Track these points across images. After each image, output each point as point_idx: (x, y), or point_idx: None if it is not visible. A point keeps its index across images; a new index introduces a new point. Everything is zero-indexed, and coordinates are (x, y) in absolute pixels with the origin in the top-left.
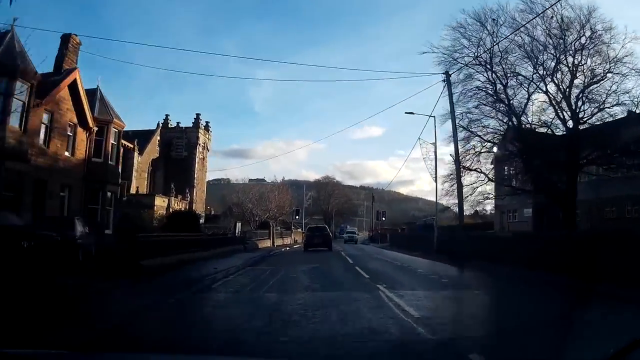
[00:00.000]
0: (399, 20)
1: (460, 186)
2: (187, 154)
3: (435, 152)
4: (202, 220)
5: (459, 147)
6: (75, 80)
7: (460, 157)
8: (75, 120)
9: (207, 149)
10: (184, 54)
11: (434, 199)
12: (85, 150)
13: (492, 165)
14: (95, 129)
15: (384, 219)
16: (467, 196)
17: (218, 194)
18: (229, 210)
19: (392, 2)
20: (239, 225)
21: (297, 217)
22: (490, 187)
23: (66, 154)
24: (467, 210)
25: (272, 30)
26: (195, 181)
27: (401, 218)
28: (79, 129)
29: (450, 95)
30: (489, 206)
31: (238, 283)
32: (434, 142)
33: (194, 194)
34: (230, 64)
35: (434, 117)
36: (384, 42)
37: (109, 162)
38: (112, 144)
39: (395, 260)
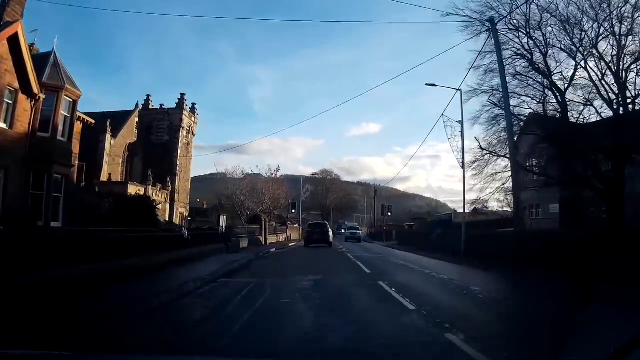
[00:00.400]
0: (395, 20)
1: (515, 167)
2: (168, 139)
3: (462, 132)
4: (185, 213)
5: (484, 130)
6: (16, 35)
7: (487, 139)
8: (16, 84)
9: (192, 133)
10: (183, 54)
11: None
12: (29, 123)
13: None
14: (42, 96)
15: (389, 214)
16: (499, 188)
17: (214, 188)
18: (219, 204)
19: (387, 3)
20: (223, 218)
21: (293, 210)
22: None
23: (2, 125)
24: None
25: (270, 30)
26: (177, 168)
27: (400, 214)
28: (21, 96)
29: (498, 46)
30: (494, 202)
31: (182, 322)
32: (460, 120)
33: (176, 183)
34: (229, 62)
35: (461, 90)
36: (379, 42)
37: (59, 137)
38: (64, 116)
39: (424, 267)
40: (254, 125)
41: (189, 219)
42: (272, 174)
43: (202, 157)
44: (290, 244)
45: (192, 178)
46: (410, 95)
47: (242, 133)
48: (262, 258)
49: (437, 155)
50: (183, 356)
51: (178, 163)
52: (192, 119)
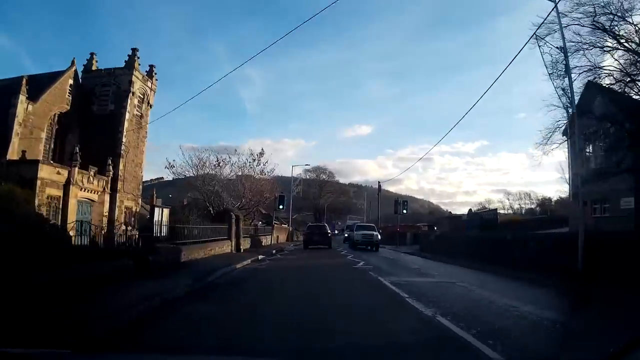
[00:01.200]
0: (386, 22)
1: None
2: (114, 108)
3: (567, 64)
4: (135, 208)
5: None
6: None
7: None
8: None
9: (148, 103)
10: (176, 53)
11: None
12: None
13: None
14: None
15: (405, 212)
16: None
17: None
18: (194, 201)
19: (379, 4)
20: (159, 213)
21: (281, 207)
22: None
23: None
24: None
25: (262, 30)
26: (122, 147)
27: (394, 216)
28: None
29: None
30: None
31: None
32: (561, 46)
33: (120, 167)
34: (221, 62)
35: (556, 3)
36: (371, 43)
37: None
38: None
39: None
40: (245, 126)
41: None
42: (254, 160)
43: (147, 122)
44: (275, 253)
45: (180, 178)
46: (402, 97)
47: (234, 133)
48: (197, 298)
49: (429, 158)
50: (183, 355)
51: (124, 140)
52: (149, 84)
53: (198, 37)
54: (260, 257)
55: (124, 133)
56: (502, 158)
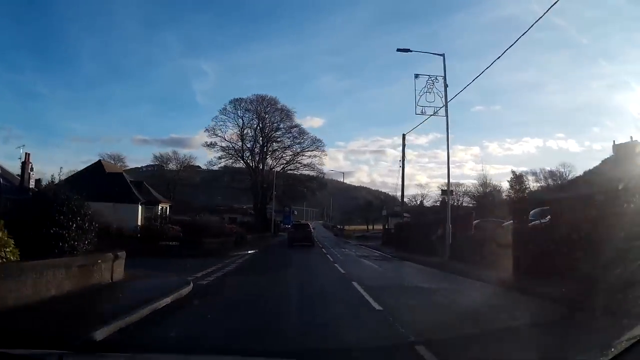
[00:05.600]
0: (339, 16)
1: None
2: None
3: None
4: None
5: None
6: None
7: None
8: None
9: None
10: (130, 45)
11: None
12: None
13: None
14: None
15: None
16: None
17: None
18: None
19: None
20: None
21: None
22: None
23: None
24: None
25: (214, 23)
26: None
27: (349, 206)
28: None
29: None
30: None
31: None
32: None
33: None
34: (174, 55)
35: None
36: (323, 36)
37: None
38: None
39: None
40: (197, 117)
41: None
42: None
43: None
44: None
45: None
46: (353, 90)
47: (185, 125)
48: None
49: (381, 150)
50: (183, 355)
51: None
52: None
53: (151, 30)
54: None
55: None
56: (456, 151)
